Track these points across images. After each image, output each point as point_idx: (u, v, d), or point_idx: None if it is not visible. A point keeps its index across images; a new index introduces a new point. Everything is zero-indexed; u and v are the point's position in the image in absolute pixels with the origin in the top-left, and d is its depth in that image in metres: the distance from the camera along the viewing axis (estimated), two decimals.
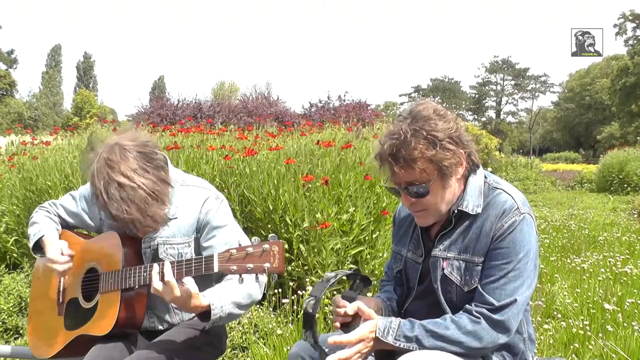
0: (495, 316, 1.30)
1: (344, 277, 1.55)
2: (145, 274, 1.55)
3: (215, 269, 1.40)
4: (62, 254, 1.68)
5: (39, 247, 1.78)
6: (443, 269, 1.41)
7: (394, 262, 1.63)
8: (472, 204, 1.40)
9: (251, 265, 1.35)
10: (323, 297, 1.43)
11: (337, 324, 1.44)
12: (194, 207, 1.71)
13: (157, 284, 1.43)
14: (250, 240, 1.41)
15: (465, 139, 1.39)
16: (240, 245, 1.38)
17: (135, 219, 1.52)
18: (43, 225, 1.80)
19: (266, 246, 1.35)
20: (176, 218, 1.70)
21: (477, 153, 1.44)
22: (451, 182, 1.38)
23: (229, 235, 1.69)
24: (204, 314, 1.49)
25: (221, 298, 1.50)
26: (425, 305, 1.48)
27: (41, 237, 1.76)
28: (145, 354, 1.55)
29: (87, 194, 1.84)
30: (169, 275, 1.42)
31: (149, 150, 1.58)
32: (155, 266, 1.46)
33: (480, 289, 1.35)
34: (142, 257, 1.70)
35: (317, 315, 1.42)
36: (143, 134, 1.64)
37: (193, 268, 1.44)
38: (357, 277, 1.57)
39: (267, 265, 1.34)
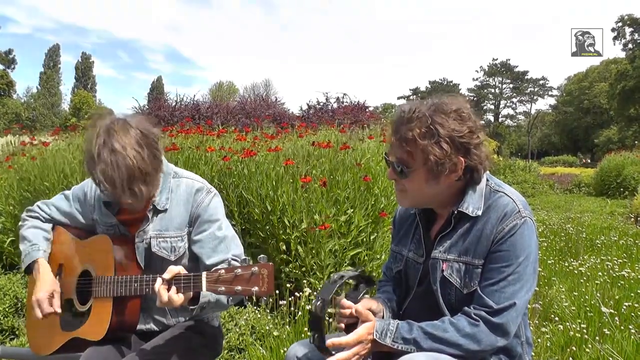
0: (494, 319, 1.30)
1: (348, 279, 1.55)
2: (137, 285, 1.54)
3: (203, 289, 1.38)
4: (51, 302, 1.64)
5: (30, 268, 1.75)
6: (442, 270, 1.41)
7: (393, 262, 1.62)
8: (472, 206, 1.39)
9: (239, 288, 1.33)
10: (330, 298, 1.42)
11: (342, 325, 1.44)
12: (186, 199, 1.70)
13: (164, 299, 1.41)
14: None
15: (473, 151, 1.35)
16: (230, 264, 1.37)
17: (117, 185, 1.49)
18: (34, 243, 1.77)
19: (255, 269, 1.33)
20: (166, 210, 1.69)
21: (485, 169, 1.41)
22: (437, 181, 1.37)
23: (219, 231, 1.68)
24: (193, 298, 1.48)
25: None
26: (423, 306, 1.47)
27: (33, 262, 1.73)
28: (142, 356, 1.54)
29: (80, 194, 1.84)
30: (175, 291, 1.41)
31: (151, 138, 1.58)
32: (159, 280, 1.43)
33: (480, 292, 1.34)
34: (135, 253, 1.69)
35: (325, 317, 1.41)
36: (153, 127, 1.63)
37: (182, 285, 1.42)
38: (361, 278, 1.56)
39: (255, 289, 1.32)
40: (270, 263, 1.35)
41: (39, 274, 1.70)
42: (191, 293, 1.44)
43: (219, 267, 1.38)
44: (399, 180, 1.42)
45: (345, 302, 1.44)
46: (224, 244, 1.67)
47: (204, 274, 1.39)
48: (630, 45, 39.44)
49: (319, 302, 1.39)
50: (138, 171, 1.50)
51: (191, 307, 1.48)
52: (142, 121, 1.61)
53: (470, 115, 1.36)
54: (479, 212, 1.38)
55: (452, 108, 1.34)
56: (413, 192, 1.42)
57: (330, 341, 1.33)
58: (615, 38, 40.01)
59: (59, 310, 1.65)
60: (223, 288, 1.35)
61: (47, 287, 1.67)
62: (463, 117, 1.34)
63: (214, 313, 1.80)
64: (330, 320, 2.44)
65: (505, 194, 1.40)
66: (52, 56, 59.58)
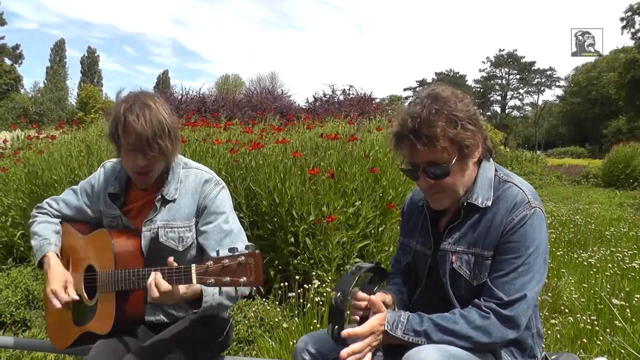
0: (505, 312, 1.29)
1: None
2: (134, 279, 1.54)
3: (194, 282, 1.37)
4: (66, 290, 1.66)
5: (42, 263, 1.77)
6: (452, 262, 1.40)
7: (402, 254, 1.62)
8: (481, 197, 1.38)
9: (228, 279, 1.32)
10: (350, 291, 1.41)
11: (357, 317, 1.43)
12: (194, 189, 1.71)
13: (154, 295, 1.41)
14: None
15: (481, 123, 1.39)
16: (218, 255, 1.35)
17: (149, 136, 1.55)
18: (44, 237, 1.78)
19: (242, 259, 1.31)
20: (174, 200, 1.70)
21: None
22: (469, 164, 1.38)
23: (225, 224, 1.68)
24: (195, 301, 1.50)
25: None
26: (432, 298, 1.46)
27: (44, 255, 1.75)
28: (150, 348, 1.55)
29: (87, 187, 1.85)
30: (165, 286, 1.41)
31: (174, 117, 1.66)
32: (150, 278, 1.44)
33: (490, 284, 1.33)
34: (140, 245, 1.68)
35: (345, 309, 1.40)
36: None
37: (174, 278, 1.42)
38: (375, 270, 1.56)
39: (243, 279, 1.31)
40: (257, 252, 1.32)
41: (50, 268, 1.71)
42: (185, 289, 1.45)
43: (207, 258, 1.38)
44: (437, 183, 1.37)
45: (361, 294, 1.44)
46: (229, 238, 1.67)
47: (193, 266, 1.38)
48: (639, 34, 38.92)
49: (339, 295, 1.39)
50: (166, 127, 1.58)
51: (194, 311, 1.49)
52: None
53: (464, 94, 1.38)
54: (489, 203, 1.37)
55: (448, 93, 1.35)
56: (453, 187, 1.37)
57: (345, 331, 1.32)
58: (624, 27, 39.51)
59: (75, 296, 1.66)
60: (212, 280, 1.34)
61: (59, 278, 1.68)
62: (460, 97, 1.36)
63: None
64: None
65: (515, 184, 1.39)
66: (58, 51, 59.65)
